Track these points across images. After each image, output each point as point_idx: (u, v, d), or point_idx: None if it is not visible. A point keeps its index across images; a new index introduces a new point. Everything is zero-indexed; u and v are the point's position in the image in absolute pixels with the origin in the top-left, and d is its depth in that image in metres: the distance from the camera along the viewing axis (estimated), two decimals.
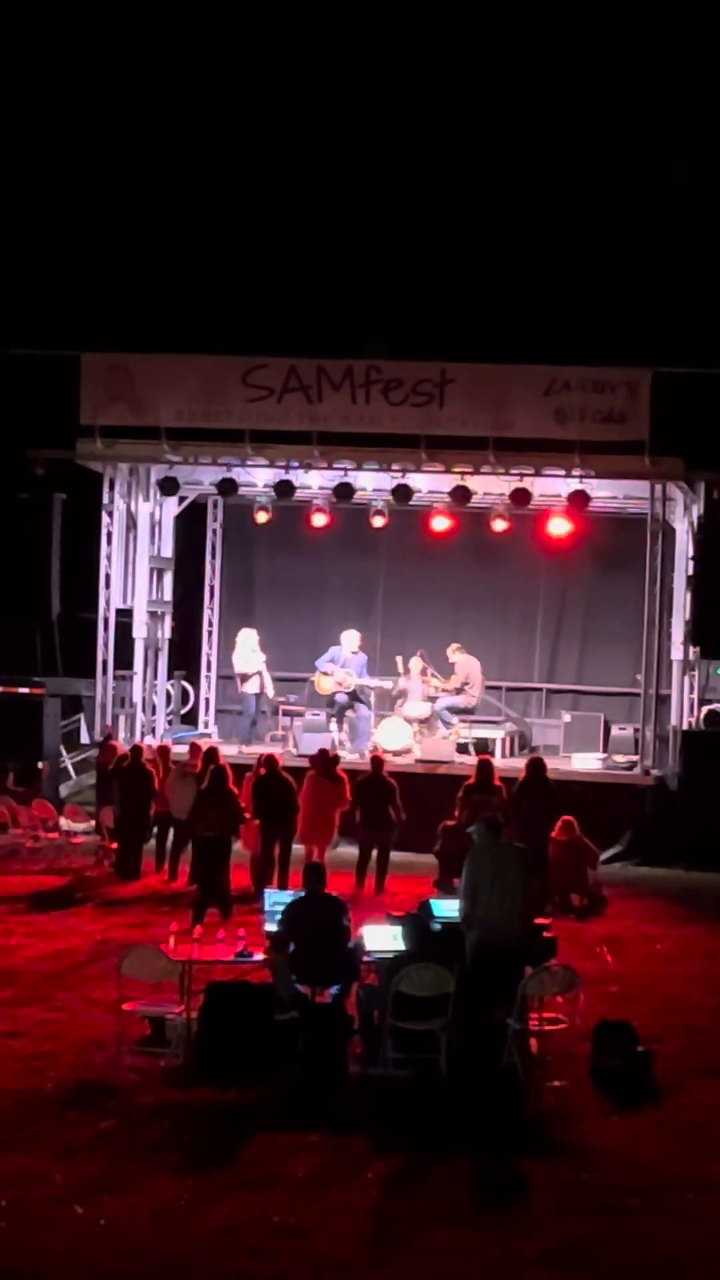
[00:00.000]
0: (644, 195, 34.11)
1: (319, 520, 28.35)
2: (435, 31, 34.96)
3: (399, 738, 26.73)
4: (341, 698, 27.58)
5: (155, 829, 22.95)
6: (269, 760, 21.92)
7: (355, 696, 27.65)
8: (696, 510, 26.56)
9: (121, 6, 35.30)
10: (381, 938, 14.43)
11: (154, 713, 29.07)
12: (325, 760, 22.20)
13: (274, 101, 35.13)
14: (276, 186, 34.99)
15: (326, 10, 34.77)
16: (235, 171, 34.86)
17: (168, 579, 29.78)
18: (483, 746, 26.90)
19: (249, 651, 28.22)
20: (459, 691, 27.56)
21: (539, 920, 15.32)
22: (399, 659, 27.84)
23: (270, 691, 28.38)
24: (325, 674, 27.61)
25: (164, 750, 23.93)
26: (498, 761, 24.10)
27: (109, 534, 27.70)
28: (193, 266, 34.08)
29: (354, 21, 34.80)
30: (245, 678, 28.18)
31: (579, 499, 26.38)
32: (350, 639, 27.81)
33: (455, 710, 27.62)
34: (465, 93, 34.36)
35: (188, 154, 34.68)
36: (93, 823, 24.02)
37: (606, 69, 34.28)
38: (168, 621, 29.80)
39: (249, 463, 27.09)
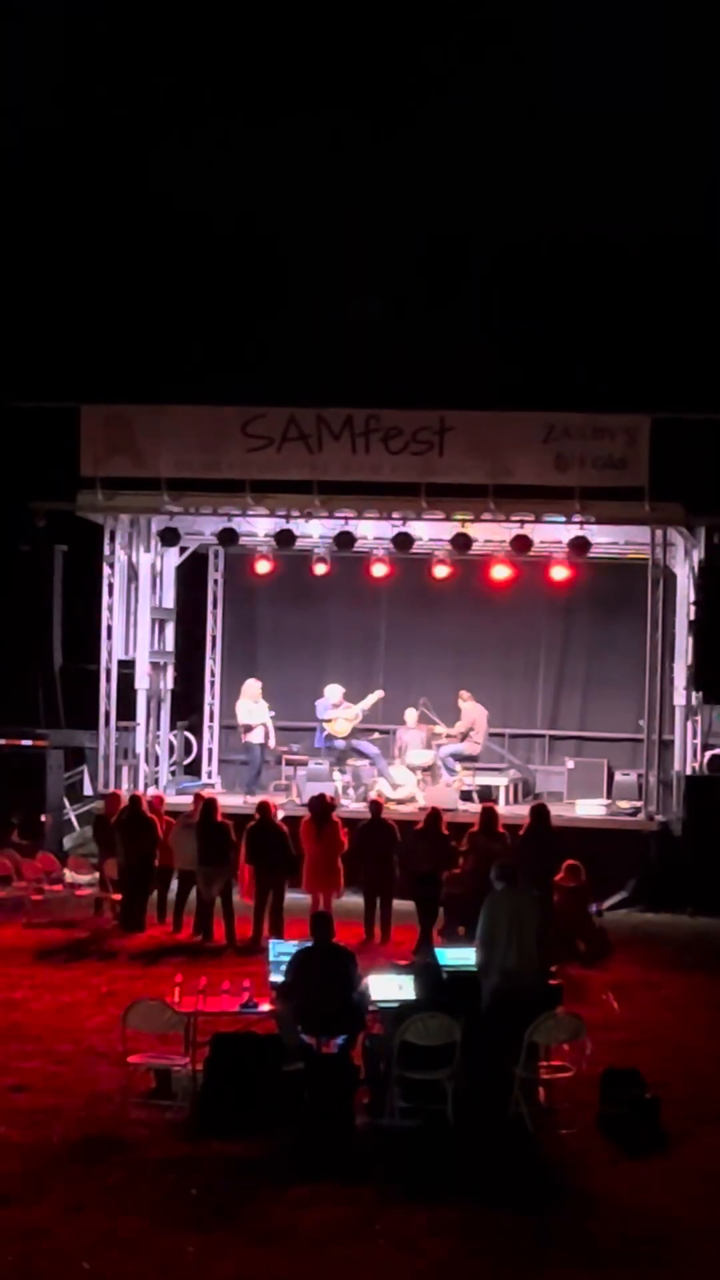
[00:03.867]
0: (642, 241, 34.22)
1: (320, 569, 28.39)
2: (435, 80, 35.12)
3: (402, 786, 26.71)
4: (341, 744, 27.67)
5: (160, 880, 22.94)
6: (261, 807, 22.03)
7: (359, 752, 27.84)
8: (697, 555, 26.60)
9: (113, 73, 35.51)
10: (387, 987, 14.39)
11: (157, 764, 29.05)
12: (320, 806, 22.21)
13: (270, 147, 35.21)
14: (272, 234, 35.07)
15: (324, 64, 34.92)
16: (230, 220, 34.95)
17: (169, 630, 29.81)
18: (486, 794, 26.91)
19: (250, 702, 28.23)
20: (463, 738, 27.58)
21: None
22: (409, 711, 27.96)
23: (273, 741, 28.38)
24: (329, 719, 27.70)
25: (161, 801, 23.91)
26: (501, 809, 24.08)
27: (110, 585, 27.73)
28: (191, 316, 34.15)
29: (353, 75, 34.95)
30: (248, 728, 28.20)
31: (580, 545, 26.44)
32: (333, 692, 27.98)
33: (459, 757, 27.64)
34: (465, 136, 34.47)
35: (182, 204, 34.76)
36: (97, 875, 23.97)
37: (606, 109, 34.38)
38: (170, 672, 29.80)
39: (249, 513, 27.14)
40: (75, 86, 35.64)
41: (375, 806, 22.83)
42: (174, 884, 22.68)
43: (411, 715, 27.81)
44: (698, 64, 34.13)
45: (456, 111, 34.76)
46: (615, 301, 33.90)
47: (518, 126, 34.63)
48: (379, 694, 28.09)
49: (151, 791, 26.01)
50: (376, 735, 28.42)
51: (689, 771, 26.94)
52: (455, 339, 32.77)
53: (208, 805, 22.17)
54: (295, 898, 21.78)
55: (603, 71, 34.82)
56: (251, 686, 28.43)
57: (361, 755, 27.95)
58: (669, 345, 32.63)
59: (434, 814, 21.93)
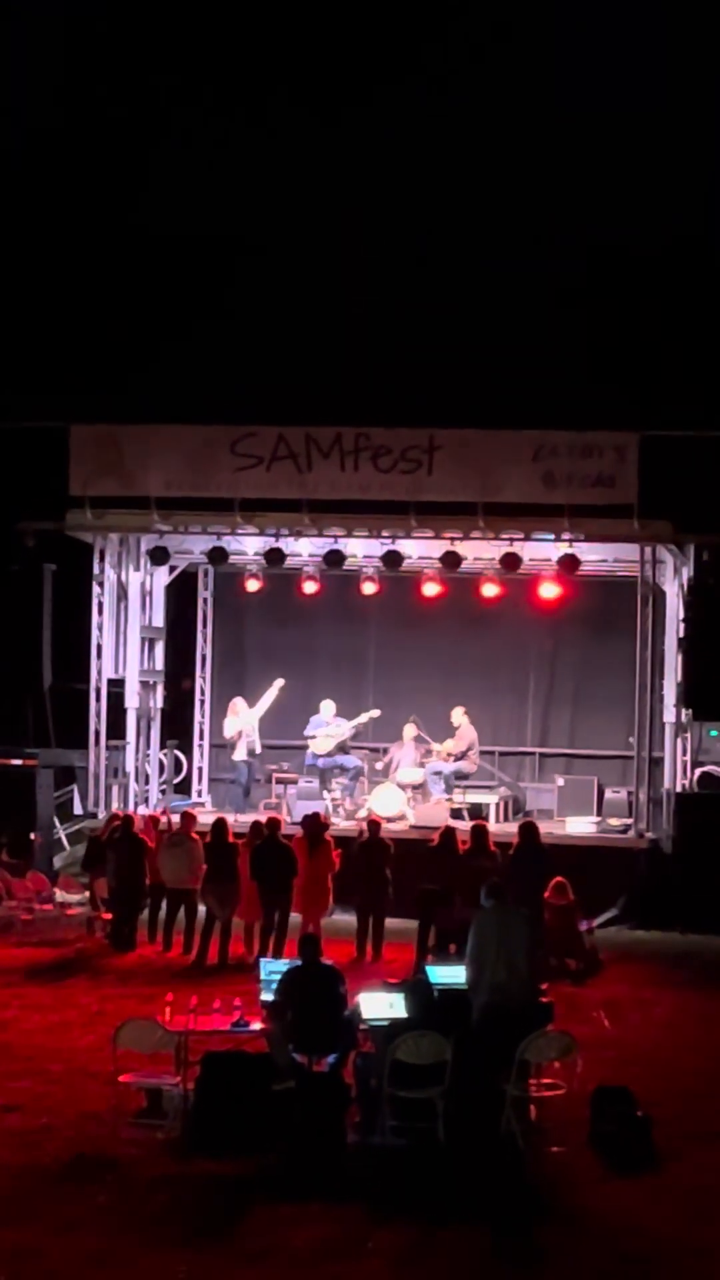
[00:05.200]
0: (643, 244, 34.18)
1: (310, 587, 28.40)
2: (422, 96, 35.14)
3: (393, 804, 26.70)
4: (325, 761, 27.73)
5: (149, 899, 22.92)
6: (270, 823, 22.04)
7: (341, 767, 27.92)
8: (686, 572, 26.60)
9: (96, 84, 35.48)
10: (378, 1005, 14.39)
11: (147, 782, 29.03)
12: (314, 826, 22.18)
13: (251, 160, 35.16)
14: (259, 250, 34.98)
15: (324, 64, 34.90)
16: (224, 224, 34.87)
17: (159, 648, 29.80)
18: (476, 812, 26.89)
19: (233, 718, 28.32)
20: (463, 757, 27.60)
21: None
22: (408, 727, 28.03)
23: (257, 748, 28.36)
24: (312, 736, 27.81)
25: (154, 820, 23.91)
26: (492, 827, 24.05)
27: (100, 604, 27.75)
28: (179, 334, 34.07)
29: (353, 75, 34.91)
30: (233, 745, 28.26)
31: (569, 563, 26.46)
32: (326, 709, 28.13)
33: (460, 776, 27.67)
34: (451, 148, 34.46)
35: (168, 219, 34.69)
36: (87, 894, 23.95)
37: (606, 109, 34.37)
38: (159, 691, 29.79)
39: (239, 531, 27.15)
40: (75, 86, 35.60)
41: (373, 825, 22.82)
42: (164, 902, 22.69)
43: (409, 732, 27.84)
44: (698, 64, 34.14)
45: (445, 118, 34.75)
46: (612, 310, 33.85)
47: (505, 137, 34.60)
48: (374, 712, 28.13)
49: (143, 811, 26.03)
50: (367, 752, 28.40)
51: (679, 789, 26.92)
52: (443, 356, 32.72)
53: (218, 825, 22.18)
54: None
55: (603, 71, 34.81)
56: (235, 705, 28.51)
57: (343, 770, 27.99)
58: (662, 358, 32.62)
59: (448, 831, 21.88)
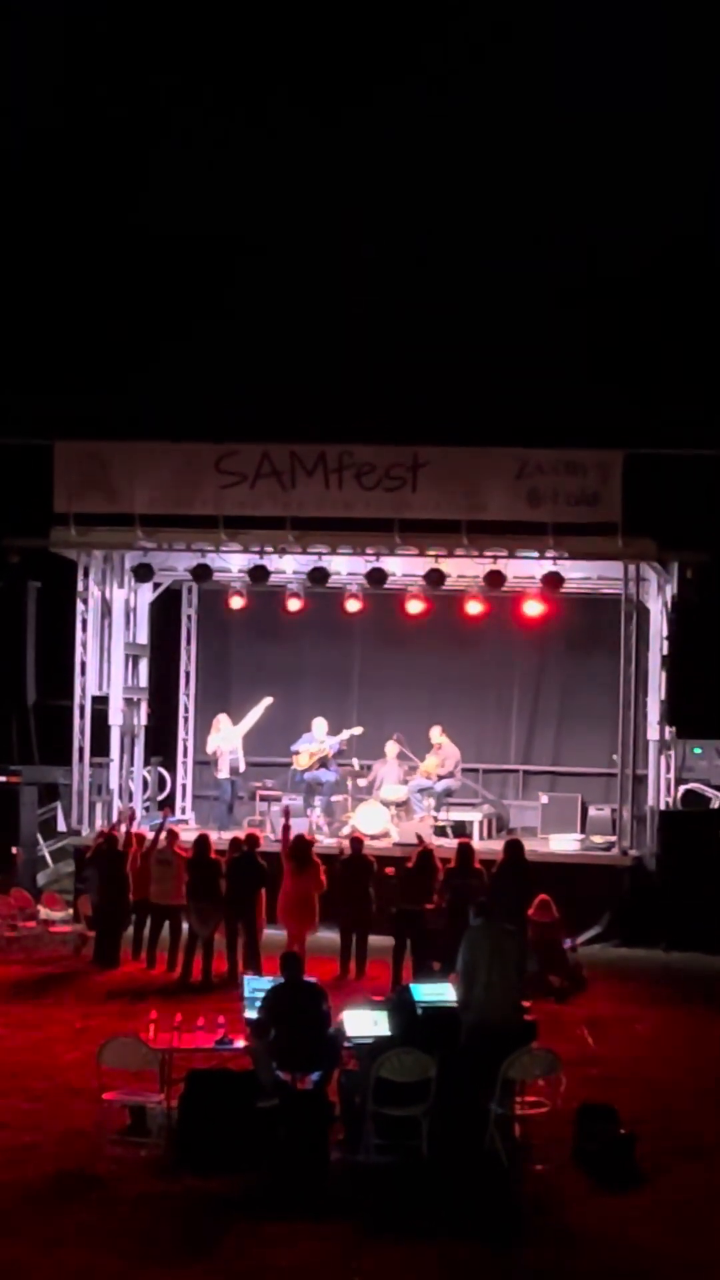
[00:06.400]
0: (613, 276, 34.18)
1: (294, 605, 28.38)
2: (422, 96, 35.16)
3: (376, 822, 26.69)
4: (309, 775, 27.72)
5: (134, 916, 22.89)
6: (249, 839, 22.04)
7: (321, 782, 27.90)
8: (670, 590, 26.63)
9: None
10: (362, 1023, 14.39)
11: (131, 799, 28.98)
12: (301, 846, 22.16)
13: (251, 160, 35.07)
14: (259, 250, 34.91)
15: (323, 64, 34.92)
16: (214, 235, 34.77)
17: (143, 665, 29.78)
18: (460, 829, 26.88)
19: (214, 734, 28.33)
20: (450, 775, 27.60)
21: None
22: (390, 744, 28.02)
23: (241, 765, 28.35)
24: (296, 752, 27.81)
25: (139, 837, 23.88)
26: (476, 844, 24.06)
27: (84, 621, 27.71)
28: (177, 336, 34.00)
29: (338, 85, 34.89)
30: (214, 762, 28.28)
31: (553, 580, 26.49)
32: (318, 726, 28.06)
33: (449, 793, 27.68)
34: (451, 147, 34.43)
35: (168, 219, 34.63)
36: (71, 911, 23.92)
37: (577, 147, 34.36)
38: (144, 708, 29.77)
39: (223, 548, 27.13)
40: (75, 86, 35.54)
41: (356, 843, 22.83)
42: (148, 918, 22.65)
43: (391, 750, 27.84)
44: (698, 64, 34.14)
45: (457, 111, 34.74)
46: (611, 311, 33.82)
47: (487, 155, 34.58)
48: (356, 730, 28.14)
49: (122, 828, 25.98)
50: (352, 769, 28.37)
51: (663, 806, 26.92)
52: (427, 373, 32.69)
53: (200, 842, 22.17)
54: (274, 934, 21.75)
55: (603, 71, 34.79)
56: (218, 721, 28.51)
57: (322, 786, 27.96)
58: (661, 360, 32.63)
59: (426, 853, 21.89)
